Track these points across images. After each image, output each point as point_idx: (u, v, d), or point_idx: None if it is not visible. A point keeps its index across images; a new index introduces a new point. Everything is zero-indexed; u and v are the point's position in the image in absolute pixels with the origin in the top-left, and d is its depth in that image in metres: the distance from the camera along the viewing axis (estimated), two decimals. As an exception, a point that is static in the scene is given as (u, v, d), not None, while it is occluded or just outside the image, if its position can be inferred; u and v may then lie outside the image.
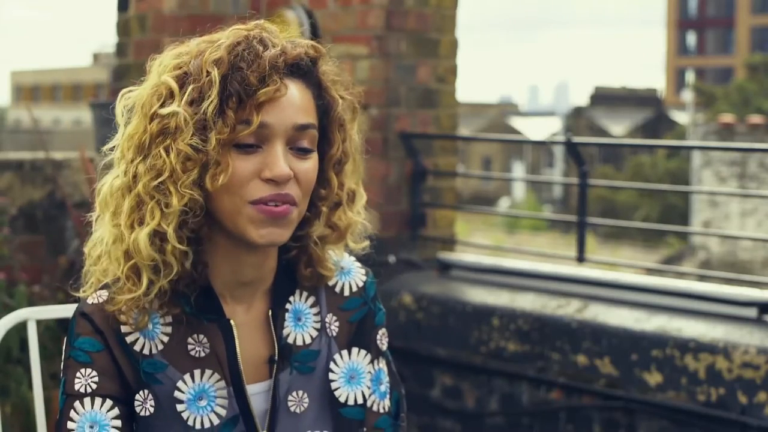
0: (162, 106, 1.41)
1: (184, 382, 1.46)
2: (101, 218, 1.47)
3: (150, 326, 1.46)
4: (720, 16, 58.97)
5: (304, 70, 1.46)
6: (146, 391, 1.45)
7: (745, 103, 30.02)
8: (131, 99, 1.46)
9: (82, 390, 1.44)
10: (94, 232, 1.49)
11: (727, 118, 18.83)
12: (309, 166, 1.45)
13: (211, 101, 1.38)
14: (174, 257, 1.41)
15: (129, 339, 1.46)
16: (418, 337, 3.91)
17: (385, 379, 1.60)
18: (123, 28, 4.61)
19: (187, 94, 1.40)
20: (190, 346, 1.47)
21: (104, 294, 1.47)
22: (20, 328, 2.03)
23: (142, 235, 1.39)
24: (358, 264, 1.63)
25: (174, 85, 1.41)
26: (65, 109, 55.89)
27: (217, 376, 1.47)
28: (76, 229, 4.08)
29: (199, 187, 1.40)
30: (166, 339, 1.47)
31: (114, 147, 1.47)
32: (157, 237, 1.40)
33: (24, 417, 3.58)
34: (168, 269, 1.41)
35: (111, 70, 4.94)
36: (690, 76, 55.76)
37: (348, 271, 1.60)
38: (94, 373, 1.45)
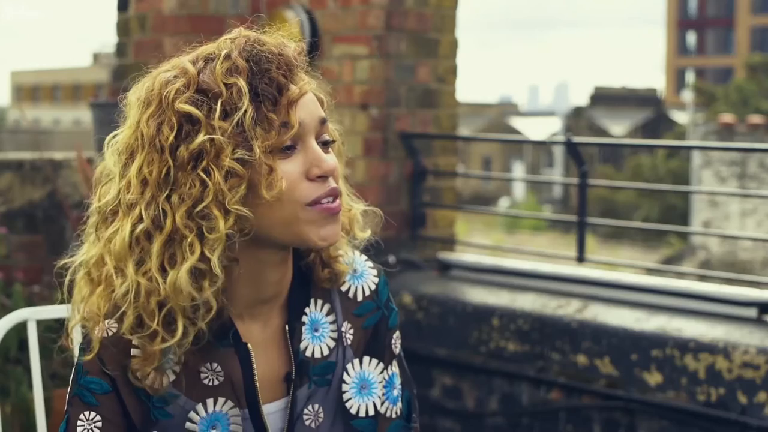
0: (179, 133, 1.33)
1: (196, 412, 1.41)
2: (121, 271, 1.35)
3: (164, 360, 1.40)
4: (720, 16, 58.98)
5: (304, 65, 1.43)
6: None
7: (744, 103, 30.03)
8: (120, 143, 1.38)
9: None
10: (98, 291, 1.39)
11: (727, 118, 18.83)
12: (335, 159, 1.42)
13: (245, 110, 1.32)
14: (212, 295, 1.33)
15: (140, 374, 1.39)
16: (418, 337, 3.91)
17: (398, 383, 1.56)
18: (123, 28, 4.61)
19: (217, 111, 1.32)
20: (203, 375, 1.42)
21: (114, 326, 1.40)
22: (19, 329, 2.03)
23: (183, 272, 1.31)
24: (370, 264, 1.58)
25: (193, 110, 1.33)
26: (65, 109, 55.91)
27: (231, 403, 1.42)
28: (73, 229, 4.08)
29: (247, 205, 1.33)
30: (177, 368, 1.40)
31: (114, 197, 1.37)
32: (194, 273, 1.32)
33: (24, 417, 3.58)
34: (207, 310, 1.34)
35: (111, 70, 4.94)
36: (690, 76, 55.77)
37: (360, 275, 1.55)
38: (98, 417, 1.40)
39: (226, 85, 1.34)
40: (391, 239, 4.19)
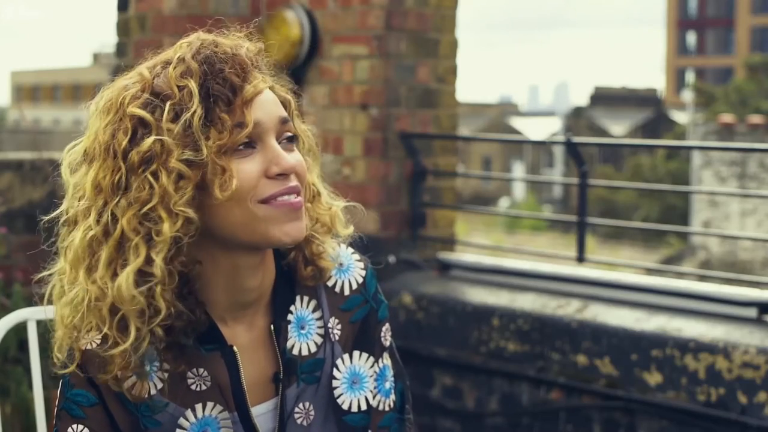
0: (133, 138, 1.34)
1: (186, 418, 1.42)
2: (75, 278, 1.37)
3: (147, 368, 1.40)
4: (720, 16, 58.96)
5: (261, 65, 1.43)
6: None
7: (743, 103, 30.02)
8: (77, 152, 1.41)
9: None
10: (65, 298, 1.40)
11: (727, 118, 18.84)
12: (299, 156, 1.42)
13: (194, 111, 1.32)
14: (161, 298, 1.33)
15: (126, 385, 1.40)
16: (418, 337, 3.91)
17: (390, 375, 1.56)
18: (123, 28, 4.61)
19: (165, 113, 1.33)
20: (189, 381, 1.42)
21: (97, 338, 1.39)
22: (19, 329, 2.03)
23: (125, 276, 1.31)
24: (356, 257, 1.57)
25: (143, 113, 1.34)
26: (65, 109, 55.90)
27: (219, 407, 1.43)
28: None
29: (192, 207, 1.33)
30: (164, 376, 1.41)
31: (69, 207, 1.40)
32: (142, 277, 1.32)
33: (24, 417, 3.58)
34: (155, 314, 1.33)
35: (111, 70, 4.94)
36: (690, 76, 55.77)
37: (347, 268, 1.54)
38: (87, 430, 1.40)
39: (178, 87, 1.34)
40: (391, 239, 4.19)
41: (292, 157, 1.39)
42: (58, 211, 1.42)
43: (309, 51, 4.27)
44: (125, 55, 4.59)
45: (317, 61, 4.29)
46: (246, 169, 1.35)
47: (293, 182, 1.38)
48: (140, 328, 1.34)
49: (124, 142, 1.34)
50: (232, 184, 1.33)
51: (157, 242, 1.32)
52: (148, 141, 1.32)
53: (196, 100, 1.33)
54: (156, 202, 1.32)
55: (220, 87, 1.34)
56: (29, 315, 1.94)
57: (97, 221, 1.34)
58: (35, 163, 4.21)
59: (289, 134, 1.41)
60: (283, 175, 1.37)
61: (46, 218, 1.44)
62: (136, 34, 4.52)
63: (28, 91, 62.98)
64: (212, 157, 1.33)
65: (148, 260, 1.32)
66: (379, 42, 4.14)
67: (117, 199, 1.34)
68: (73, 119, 51.04)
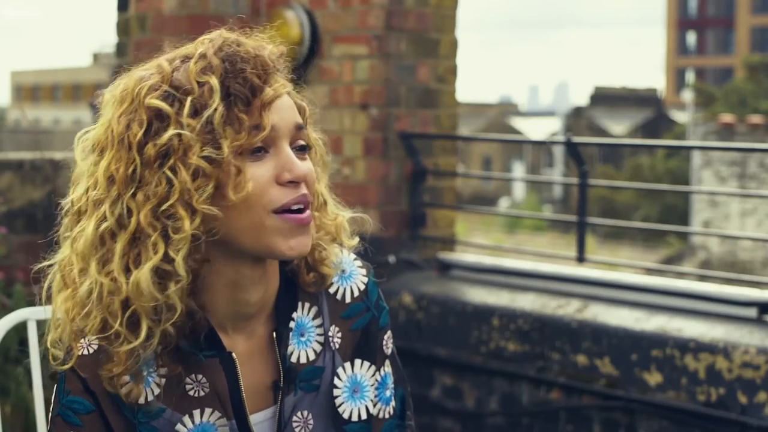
0: (148, 130, 1.31)
1: (183, 425, 1.39)
2: (84, 270, 1.34)
3: (144, 373, 1.37)
4: (720, 16, 58.97)
5: (281, 69, 1.40)
6: None
7: (742, 103, 30.03)
8: (90, 140, 1.37)
9: None
10: (71, 293, 1.36)
11: (727, 118, 18.83)
12: (311, 165, 1.39)
13: (215, 108, 1.30)
14: (177, 296, 1.30)
15: (123, 391, 1.37)
16: (418, 337, 3.91)
17: (390, 383, 1.53)
18: (123, 28, 4.61)
19: (186, 107, 1.30)
20: (188, 386, 1.39)
21: (95, 343, 1.37)
22: (19, 329, 2.03)
23: (144, 272, 1.29)
24: (359, 263, 1.54)
25: (162, 105, 1.31)
26: (65, 109, 55.91)
27: (217, 413, 1.40)
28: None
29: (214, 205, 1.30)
30: (162, 382, 1.38)
31: (81, 195, 1.36)
32: (158, 274, 1.29)
33: (24, 417, 3.58)
34: (170, 312, 1.31)
35: (111, 70, 4.94)
36: (690, 76, 55.79)
37: (349, 275, 1.51)
38: None
39: (198, 83, 1.32)
40: (391, 239, 4.19)
41: (304, 165, 1.36)
42: (67, 199, 1.40)
43: (309, 51, 4.28)
44: (125, 55, 4.59)
45: (317, 61, 4.29)
46: (258, 173, 1.32)
47: (303, 190, 1.35)
48: (151, 327, 1.31)
49: (140, 134, 1.31)
50: (247, 185, 1.30)
51: (175, 240, 1.29)
52: (167, 135, 1.30)
53: (217, 97, 1.31)
54: (175, 198, 1.29)
55: (240, 87, 1.32)
56: (29, 315, 1.94)
57: (111, 213, 1.32)
58: (35, 163, 4.21)
59: (302, 143, 1.38)
60: (294, 183, 1.34)
61: (64, 201, 1.41)
62: (136, 34, 4.52)
63: (28, 91, 62.99)
64: (229, 157, 1.30)
65: (166, 257, 1.30)
66: (379, 42, 4.14)
67: (131, 192, 1.31)
68: (73, 119, 51.04)
